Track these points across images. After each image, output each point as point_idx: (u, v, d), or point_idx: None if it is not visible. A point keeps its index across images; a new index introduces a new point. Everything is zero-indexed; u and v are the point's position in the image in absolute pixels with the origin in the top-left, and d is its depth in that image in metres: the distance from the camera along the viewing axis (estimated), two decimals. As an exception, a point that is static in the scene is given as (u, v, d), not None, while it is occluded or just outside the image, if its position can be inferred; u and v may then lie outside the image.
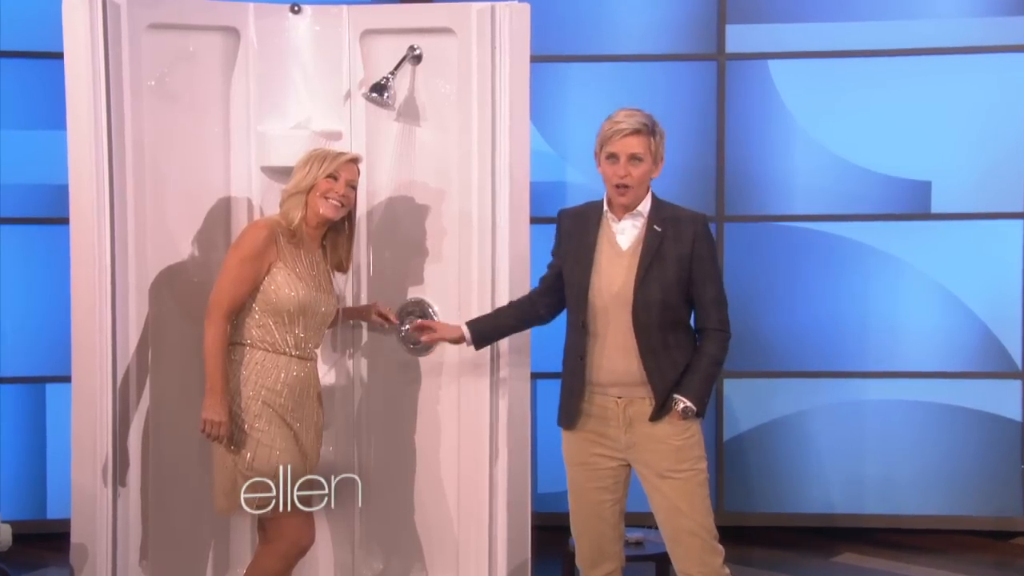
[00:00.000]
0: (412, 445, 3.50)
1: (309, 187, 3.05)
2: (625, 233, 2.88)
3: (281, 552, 3.04)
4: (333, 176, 3.06)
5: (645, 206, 2.88)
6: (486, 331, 3.13)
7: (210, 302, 3.02)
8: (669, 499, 2.85)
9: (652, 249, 2.84)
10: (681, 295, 2.86)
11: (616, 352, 2.85)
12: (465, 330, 3.11)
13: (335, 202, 3.05)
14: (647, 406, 2.85)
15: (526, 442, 3.43)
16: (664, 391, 2.84)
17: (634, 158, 2.82)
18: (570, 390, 2.91)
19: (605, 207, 2.92)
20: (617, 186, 2.84)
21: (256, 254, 3.00)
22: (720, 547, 2.88)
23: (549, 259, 3.07)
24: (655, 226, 2.85)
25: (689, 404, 2.83)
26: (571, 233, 2.95)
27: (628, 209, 2.87)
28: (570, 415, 2.91)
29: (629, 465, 2.92)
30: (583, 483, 2.93)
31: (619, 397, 2.86)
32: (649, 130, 2.83)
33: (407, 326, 3.44)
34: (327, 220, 3.08)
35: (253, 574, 3.08)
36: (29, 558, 4.07)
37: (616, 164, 2.83)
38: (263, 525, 3.10)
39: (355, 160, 3.13)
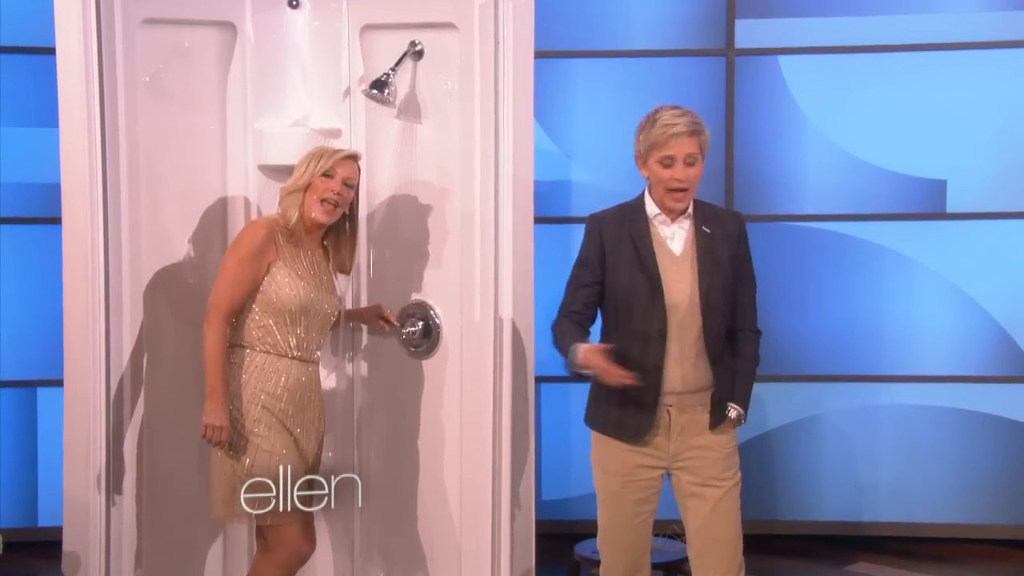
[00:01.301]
0: (413, 451, 3.46)
1: (306, 185, 3.03)
2: (675, 237, 2.81)
3: (281, 561, 3.00)
4: (328, 174, 3.01)
5: (690, 207, 2.82)
6: None
7: (209, 304, 2.98)
8: (710, 507, 2.79)
9: (709, 253, 2.78)
10: (731, 297, 2.82)
11: (687, 363, 2.77)
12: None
13: (329, 204, 3.01)
14: (699, 414, 2.80)
15: (530, 447, 3.40)
16: (724, 399, 2.81)
17: (689, 160, 2.74)
18: (638, 404, 2.77)
19: (654, 210, 2.81)
20: (673, 190, 2.75)
21: (255, 254, 2.96)
22: (743, 559, 2.85)
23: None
24: (704, 228, 2.79)
25: (742, 412, 2.82)
26: (618, 239, 2.81)
27: (682, 212, 2.80)
28: (640, 430, 2.78)
29: (664, 474, 2.86)
30: (624, 495, 2.84)
31: (671, 406, 2.79)
32: (701, 129, 2.77)
33: (408, 328, 3.39)
34: (323, 223, 3.04)
35: None
36: (20, 567, 4.04)
37: (672, 167, 2.74)
38: (262, 533, 3.06)
39: (353, 157, 3.09)
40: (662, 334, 2.74)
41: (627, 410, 2.77)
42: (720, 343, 2.80)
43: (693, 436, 2.79)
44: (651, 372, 2.73)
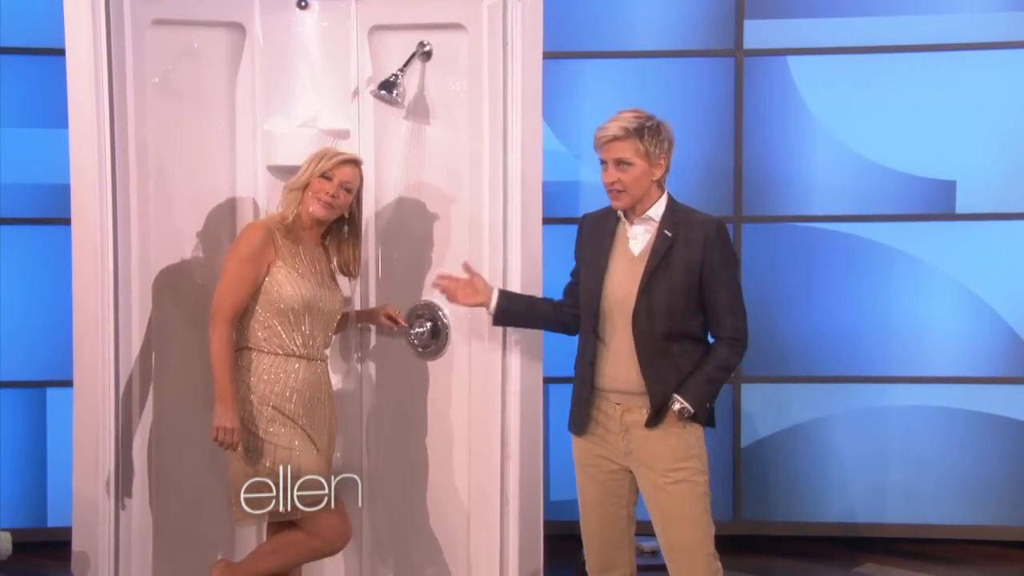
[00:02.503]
0: (421, 451, 3.45)
1: (304, 185, 3.04)
2: (638, 238, 2.85)
3: (315, 548, 3.02)
4: (327, 176, 3.02)
5: (658, 210, 2.83)
6: (515, 308, 3.08)
7: (212, 308, 2.98)
8: (663, 510, 2.81)
9: (659, 255, 2.79)
10: (690, 303, 2.80)
11: (619, 359, 2.81)
12: (493, 297, 3.06)
13: (326, 200, 3.01)
14: (644, 415, 2.81)
15: (538, 448, 3.38)
16: (661, 400, 2.79)
17: (621, 163, 2.79)
18: (579, 396, 2.90)
19: (621, 211, 2.87)
20: (609, 192, 2.82)
21: (254, 255, 2.97)
22: (717, 564, 2.83)
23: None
24: (666, 231, 2.81)
25: (686, 405, 2.77)
26: (590, 237, 2.93)
27: (639, 213, 2.82)
28: (578, 421, 2.90)
29: (628, 470, 2.88)
30: (588, 485, 2.92)
31: (618, 404, 2.84)
32: (634, 133, 2.77)
33: (417, 329, 3.38)
34: (317, 220, 3.05)
35: (283, 553, 3.00)
36: (29, 567, 4.04)
37: (607, 170, 2.81)
38: (276, 529, 3.05)
39: (353, 162, 3.08)
40: (595, 330, 2.83)
41: (573, 403, 2.90)
42: (664, 345, 2.77)
43: (638, 434, 2.81)
44: (586, 367, 2.84)
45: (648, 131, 2.77)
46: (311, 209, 3.02)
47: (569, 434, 2.96)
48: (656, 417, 2.78)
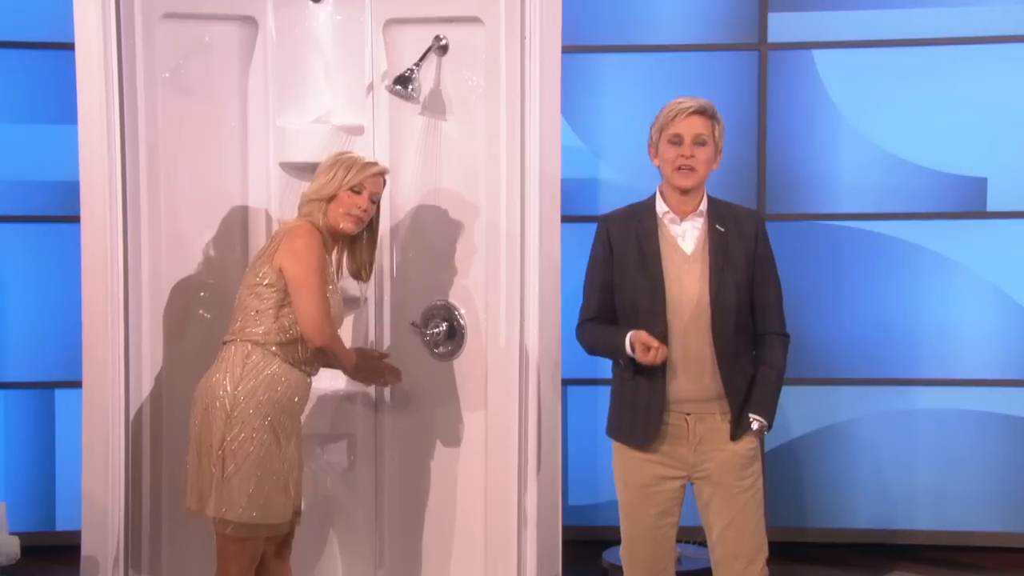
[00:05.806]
0: (437, 454, 3.41)
1: (331, 196, 2.94)
2: (687, 236, 2.76)
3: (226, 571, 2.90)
4: (357, 189, 2.94)
5: (704, 205, 2.77)
6: None
7: (308, 332, 2.84)
8: (730, 518, 2.75)
9: (722, 251, 2.72)
10: (749, 297, 2.75)
11: (693, 365, 2.72)
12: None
13: (357, 215, 2.94)
14: (719, 422, 2.74)
15: (557, 452, 3.35)
16: (738, 405, 2.73)
17: (699, 140, 2.72)
18: (646, 409, 2.74)
19: (663, 208, 2.77)
20: (680, 168, 2.72)
21: (325, 263, 2.90)
22: (767, 570, 2.79)
23: (585, 261, 2.88)
24: (717, 226, 2.74)
25: (765, 422, 2.74)
26: (624, 240, 2.78)
27: (691, 204, 2.74)
28: (647, 435, 2.75)
29: (685, 483, 2.81)
30: (643, 507, 2.79)
31: (689, 414, 2.74)
32: (712, 114, 2.75)
33: (432, 330, 3.34)
34: (346, 234, 2.98)
35: None
36: (38, 571, 4.04)
37: (680, 145, 2.72)
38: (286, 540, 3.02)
39: (383, 173, 3.01)
40: (664, 336, 2.69)
41: (637, 416, 2.75)
42: (735, 344, 2.72)
43: (713, 444, 2.73)
44: (656, 377, 2.70)
45: (719, 119, 2.76)
46: (341, 225, 2.93)
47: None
48: (736, 427, 2.73)
